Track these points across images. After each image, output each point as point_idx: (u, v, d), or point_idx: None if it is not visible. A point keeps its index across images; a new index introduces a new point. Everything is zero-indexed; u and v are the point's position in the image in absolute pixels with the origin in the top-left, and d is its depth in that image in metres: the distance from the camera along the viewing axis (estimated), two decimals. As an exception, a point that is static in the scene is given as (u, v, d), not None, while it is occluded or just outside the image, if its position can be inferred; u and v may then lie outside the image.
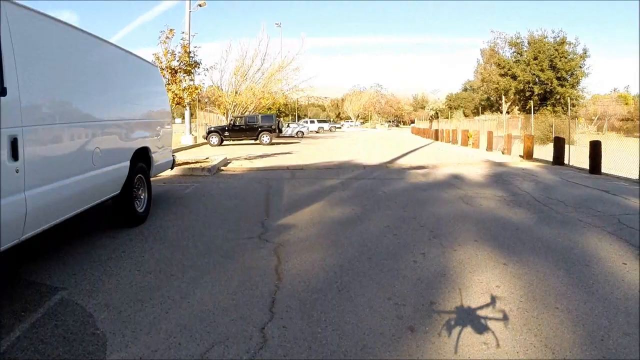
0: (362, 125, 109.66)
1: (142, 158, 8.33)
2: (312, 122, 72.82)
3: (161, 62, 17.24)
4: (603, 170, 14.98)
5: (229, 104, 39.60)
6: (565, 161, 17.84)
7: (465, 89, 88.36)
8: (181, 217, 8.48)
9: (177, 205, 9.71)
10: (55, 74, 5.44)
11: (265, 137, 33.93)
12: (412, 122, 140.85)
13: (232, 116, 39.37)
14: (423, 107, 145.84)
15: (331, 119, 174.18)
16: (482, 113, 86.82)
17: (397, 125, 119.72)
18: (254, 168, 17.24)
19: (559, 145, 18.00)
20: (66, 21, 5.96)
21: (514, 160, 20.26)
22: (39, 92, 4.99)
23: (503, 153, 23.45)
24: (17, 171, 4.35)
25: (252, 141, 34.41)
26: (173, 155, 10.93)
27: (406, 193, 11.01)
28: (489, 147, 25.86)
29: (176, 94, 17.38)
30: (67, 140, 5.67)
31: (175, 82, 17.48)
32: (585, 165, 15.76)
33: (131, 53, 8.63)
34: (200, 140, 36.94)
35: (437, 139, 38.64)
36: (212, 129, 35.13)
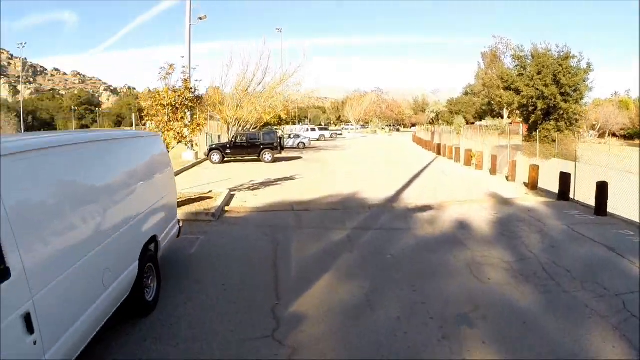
0: (363, 129, 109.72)
1: (149, 243, 8.34)
2: (313, 129, 73.03)
3: (162, 99, 17.25)
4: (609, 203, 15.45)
5: (230, 118, 39.77)
6: (571, 194, 18.12)
7: (467, 93, 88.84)
8: (190, 300, 8.58)
9: (185, 277, 9.82)
10: (57, 208, 5.31)
11: (267, 155, 34.16)
12: (413, 125, 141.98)
13: (234, 132, 39.58)
14: (423, 110, 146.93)
15: (332, 122, 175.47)
16: (483, 118, 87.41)
17: (397, 130, 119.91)
18: (258, 207, 17.32)
19: (564, 180, 18.17)
20: (58, 138, 5.95)
21: (519, 191, 20.49)
22: (43, 246, 4.86)
23: (507, 179, 23.67)
24: (34, 343, 4.34)
25: (254, 158, 34.59)
26: (179, 222, 10.97)
27: (414, 257, 11.12)
28: (493, 171, 26.08)
29: (178, 133, 17.21)
30: (78, 282, 5.50)
31: (177, 120, 17.35)
32: (591, 197, 16.28)
33: (131, 136, 8.70)
34: (202, 155, 37.19)
35: (439, 153, 38.78)
36: (214, 146, 35.34)
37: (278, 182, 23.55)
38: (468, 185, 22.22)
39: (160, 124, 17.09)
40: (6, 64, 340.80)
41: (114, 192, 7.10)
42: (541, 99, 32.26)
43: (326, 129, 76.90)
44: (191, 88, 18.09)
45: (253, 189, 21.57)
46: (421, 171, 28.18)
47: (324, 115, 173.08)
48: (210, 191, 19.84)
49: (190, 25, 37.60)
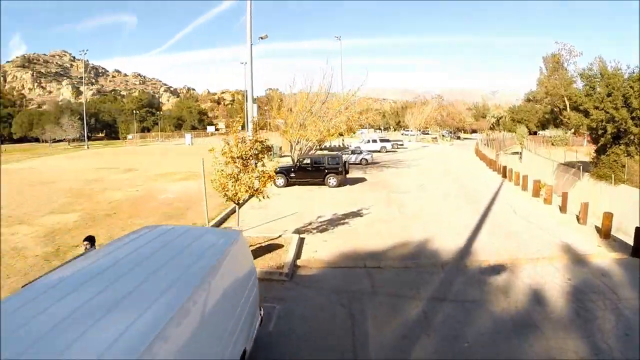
0: (423, 136, 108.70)
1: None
2: (374, 141, 72.73)
3: (232, 152, 17.51)
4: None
5: (294, 136, 40.22)
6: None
7: (528, 100, 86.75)
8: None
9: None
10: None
11: (332, 180, 34.42)
12: (474, 131, 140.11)
13: (297, 150, 40.05)
14: (484, 116, 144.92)
15: (391, 127, 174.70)
16: (546, 127, 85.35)
17: (457, 137, 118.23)
18: (330, 262, 17.44)
19: (640, 235, 17.73)
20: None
21: (591, 240, 20.07)
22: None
23: (578, 220, 23.25)
24: None
25: (319, 181, 34.82)
26: (260, 310, 11.19)
27: (490, 346, 11.17)
28: (564, 208, 25.68)
29: (249, 186, 17.29)
30: None
31: (247, 172, 17.41)
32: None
33: (222, 252, 8.57)
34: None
35: (505, 176, 38.09)
36: (278, 169, 35.82)
37: (346, 221, 23.66)
38: (539, 231, 21.71)
39: (230, 177, 17.35)
40: (69, 66, 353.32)
41: (214, 323, 7.44)
42: (611, 122, 31.29)
43: (387, 141, 76.03)
44: (262, 141, 18.19)
45: (321, 230, 21.80)
46: (490, 205, 27.70)
47: (383, 120, 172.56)
48: (279, 236, 20.22)
49: (251, 44, 38.14)
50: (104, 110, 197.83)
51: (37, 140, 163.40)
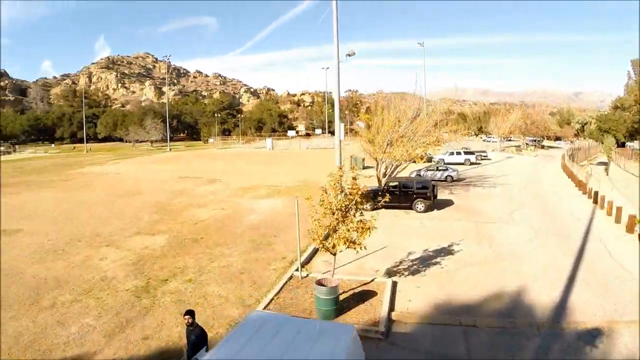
0: (506, 147, 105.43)
1: None
2: (458, 153, 70.82)
3: (330, 204, 16.94)
4: None
5: (379, 154, 39.40)
6: None
7: (615, 107, 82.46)
8: None
9: None
10: None
11: (420, 205, 33.31)
12: (558, 138, 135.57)
13: (382, 167, 39.25)
14: (568, 122, 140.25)
15: (472, 132, 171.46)
16: (635, 137, 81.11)
17: (542, 147, 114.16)
18: (425, 316, 16.39)
19: None
20: None
21: None
22: None
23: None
24: None
25: (406, 206, 33.81)
26: None
27: None
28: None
29: (347, 239, 16.64)
30: None
31: (346, 223, 16.81)
32: None
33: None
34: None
35: (595, 202, 35.76)
36: (365, 192, 35.05)
37: (437, 260, 22.37)
38: (633, 282, 19.87)
39: (327, 229, 16.87)
40: (151, 67, 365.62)
41: None
42: None
43: (472, 153, 73.70)
44: (360, 188, 17.38)
45: (413, 272, 20.73)
46: (583, 244, 25.70)
47: (464, 124, 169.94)
48: (372, 280, 19.44)
49: (338, 62, 37.67)
50: (185, 112, 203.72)
51: (120, 140, 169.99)
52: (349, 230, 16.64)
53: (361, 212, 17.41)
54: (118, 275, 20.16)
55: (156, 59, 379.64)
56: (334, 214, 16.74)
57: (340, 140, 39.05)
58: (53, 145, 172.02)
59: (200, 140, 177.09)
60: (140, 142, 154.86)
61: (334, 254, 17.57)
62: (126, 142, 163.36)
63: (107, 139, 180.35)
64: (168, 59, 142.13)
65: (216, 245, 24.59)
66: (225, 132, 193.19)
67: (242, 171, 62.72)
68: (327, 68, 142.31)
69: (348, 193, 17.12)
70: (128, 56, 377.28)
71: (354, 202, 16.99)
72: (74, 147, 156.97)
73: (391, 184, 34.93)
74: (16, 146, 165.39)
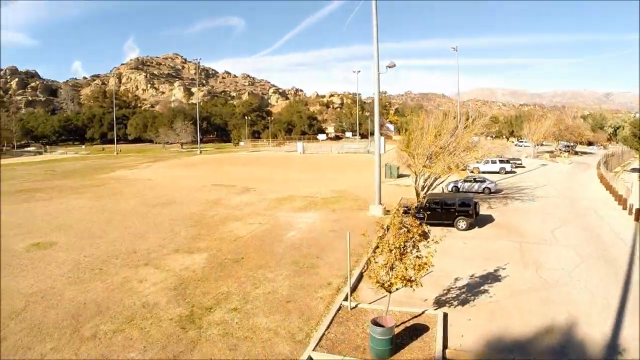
0: (540, 153, 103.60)
1: None
2: (493, 162, 69.26)
3: (389, 244, 16.22)
4: None
5: (419, 167, 38.58)
6: None
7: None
8: None
9: None
10: None
11: (462, 223, 32.31)
12: (590, 143, 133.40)
13: (421, 181, 38.56)
14: (601, 127, 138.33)
15: (504, 135, 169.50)
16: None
17: (575, 153, 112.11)
18: (479, 354, 15.54)
19: None
20: None
21: None
22: None
23: None
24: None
25: (448, 223, 32.85)
26: None
27: None
28: None
29: (405, 277, 15.98)
30: None
31: (403, 261, 16.14)
32: None
33: None
34: (382, 199, 36.33)
35: (637, 219, 34.50)
36: (406, 208, 34.23)
37: (485, 288, 21.39)
38: None
39: (385, 267, 16.27)
40: (180, 68, 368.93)
41: None
42: None
43: (507, 162, 71.79)
44: (419, 225, 16.72)
45: (462, 301, 19.84)
46: (630, 268, 24.27)
47: (495, 127, 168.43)
48: (423, 312, 18.67)
49: (379, 74, 37.00)
50: (215, 113, 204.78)
51: (150, 141, 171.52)
52: (406, 269, 16.07)
53: (418, 248, 16.74)
54: (160, 301, 19.63)
55: (185, 59, 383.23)
56: (391, 251, 16.14)
57: (381, 155, 38.40)
58: (84, 146, 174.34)
59: (229, 142, 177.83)
60: (170, 143, 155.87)
61: (390, 292, 16.91)
62: (156, 143, 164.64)
63: (137, 140, 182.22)
64: (198, 61, 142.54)
65: (258, 267, 23.95)
66: (255, 134, 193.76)
67: (275, 178, 62.47)
68: (359, 71, 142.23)
69: (407, 230, 16.48)
70: (157, 57, 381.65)
71: (412, 239, 16.40)
72: (103, 149, 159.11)
73: (432, 200, 33.95)
74: (47, 146, 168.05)
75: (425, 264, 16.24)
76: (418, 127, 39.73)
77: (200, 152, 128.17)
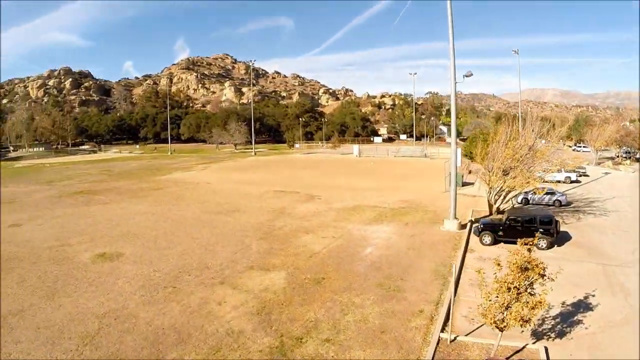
0: (602, 161, 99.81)
1: None
2: (558, 170, 66.46)
3: (507, 283, 15.36)
4: None
5: (495, 182, 36.96)
6: None
7: None
8: None
9: None
10: None
11: (543, 242, 30.45)
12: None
13: (495, 193, 37.13)
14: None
15: (561, 139, 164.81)
16: None
17: (637, 160, 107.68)
18: None
19: None
20: None
21: None
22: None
23: None
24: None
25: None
26: None
27: None
28: None
29: (522, 317, 15.01)
30: None
31: (520, 300, 15.22)
32: None
33: None
34: (460, 212, 34.76)
35: None
36: (484, 224, 32.61)
37: (579, 318, 20.07)
38: None
39: (501, 307, 15.36)
40: (230, 68, 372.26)
41: None
42: None
43: (572, 170, 68.61)
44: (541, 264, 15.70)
45: (559, 333, 18.61)
46: None
47: (553, 132, 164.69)
48: (524, 346, 17.39)
49: (455, 83, 35.45)
50: (268, 114, 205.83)
51: (203, 141, 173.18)
52: (523, 309, 15.09)
53: (532, 286, 15.51)
54: (245, 328, 18.58)
55: (235, 59, 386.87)
56: (509, 289, 15.20)
57: (457, 167, 36.83)
58: (137, 145, 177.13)
59: (282, 142, 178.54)
60: (223, 144, 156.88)
61: (502, 331, 15.60)
62: (209, 143, 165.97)
63: (190, 139, 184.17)
64: (253, 63, 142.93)
65: (342, 290, 22.70)
66: (308, 135, 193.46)
67: (337, 185, 61.21)
68: (415, 73, 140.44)
69: (529, 269, 15.49)
70: (207, 57, 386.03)
71: (531, 280, 15.47)
72: (155, 148, 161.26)
73: (512, 217, 32.16)
74: (101, 145, 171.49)
75: (540, 302, 15.31)
76: (495, 139, 38.21)
77: (255, 153, 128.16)
